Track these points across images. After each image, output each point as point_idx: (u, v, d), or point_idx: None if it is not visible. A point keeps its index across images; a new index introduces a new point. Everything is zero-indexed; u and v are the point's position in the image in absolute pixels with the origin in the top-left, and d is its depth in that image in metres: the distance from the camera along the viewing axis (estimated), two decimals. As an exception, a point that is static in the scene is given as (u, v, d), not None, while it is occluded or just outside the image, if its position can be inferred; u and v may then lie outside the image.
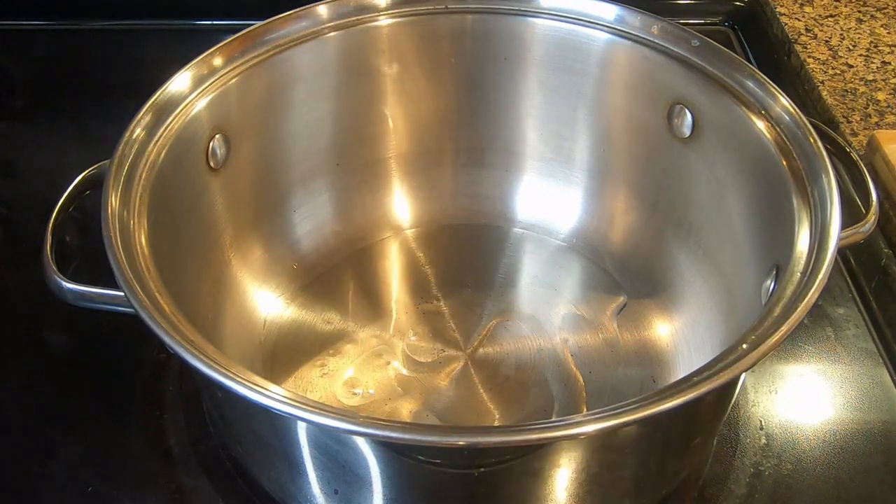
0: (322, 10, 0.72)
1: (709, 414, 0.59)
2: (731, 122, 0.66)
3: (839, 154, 0.64)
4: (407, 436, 0.45)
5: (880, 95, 0.91)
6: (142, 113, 0.61)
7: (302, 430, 0.52)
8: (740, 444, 0.64)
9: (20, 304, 0.74)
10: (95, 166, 0.61)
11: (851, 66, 0.95)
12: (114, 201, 0.56)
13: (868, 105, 0.90)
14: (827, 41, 0.99)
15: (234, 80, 0.67)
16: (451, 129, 0.80)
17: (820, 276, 0.52)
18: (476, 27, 0.75)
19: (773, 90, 0.64)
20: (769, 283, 0.59)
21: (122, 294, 0.51)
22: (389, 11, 0.73)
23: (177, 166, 0.62)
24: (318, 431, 0.51)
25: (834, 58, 0.97)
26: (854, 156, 0.64)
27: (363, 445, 0.50)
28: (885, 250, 0.77)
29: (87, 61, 1.03)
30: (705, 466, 0.63)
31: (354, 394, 0.68)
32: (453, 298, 0.74)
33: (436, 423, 0.66)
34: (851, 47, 0.98)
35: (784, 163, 0.61)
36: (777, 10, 1.04)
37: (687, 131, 0.70)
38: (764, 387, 0.68)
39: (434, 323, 0.73)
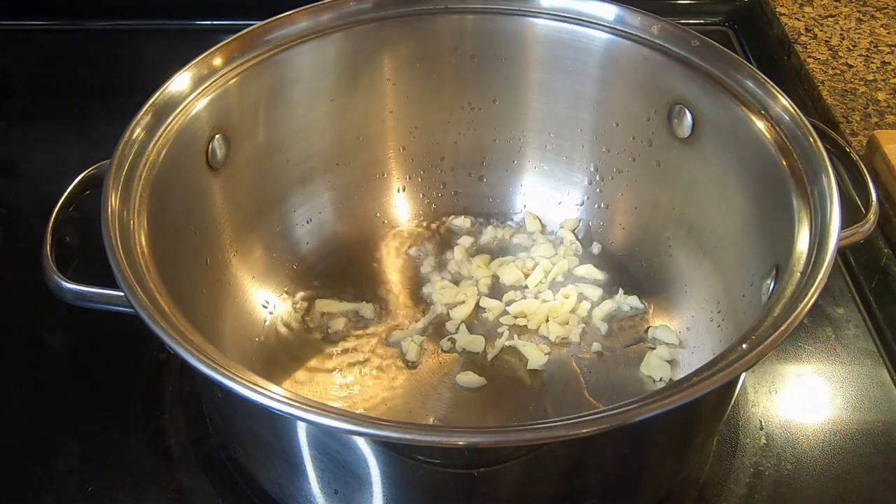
0: (322, 10, 0.72)
1: (709, 414, 0.59)
2: (731, 122, 0.66)
3: (839, 154, 0.64)
4: (407, 436, 0.45)
5: (880, 95, 0.91)
6: (142, 113, 0.61)
7: (302, 430, 0.52)
8: (740, 444, 0.64)
9: (20, 304, 0.74)
10: (95, 166, 0.61)
11: (851, 66, 0.95)
12: (114, 201, 0.56)
13: (868, 105, 0.90)
14: (827, 41, 0.99)
15: (234, 80, 0.67)
16: (452, 129, 0.80)
17: (820, 276, 0.52)
18: (476, 27, 0.75)
19: (773, 90, 0.64)
20: (769, 283, 0.59)
21: (122, 294, 0.51)
22: (389, 11, 0.73)
23: (177, 166, 0.62)
24: (317, 431, 0.51)
25: (834, 58, 0.97)
26: (854, 156, 0.64)
27: (363, 445, 0.50)
28: (885, 250, 0.77)
29: (87, 61, 1.03)
30: (705, 466, 0.63)
31: (354, 394, 0.68)
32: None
33: (436, 423, 0.66)
34: (851, 47, 0.98)
35: (784, 163, 0.61)
36: (777, 10, 1.04)
37: (687, 131, 0.70)
38: (764, 387, 0.68)
39: (434, 323, 0.73)
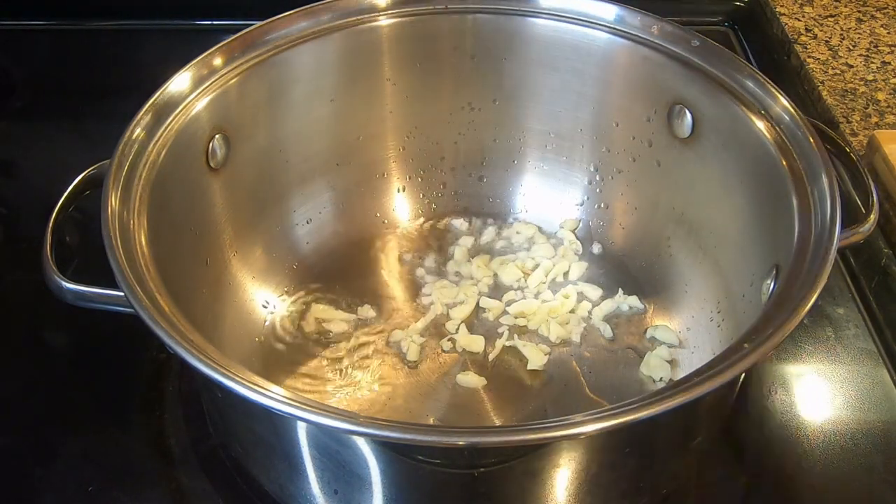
0: (322, 10, 0.72)
1: (709, 414, 0.59)
2: (731, 122, 0.66)
3: (839, 154, 0.64)
4: (407, 436, 0.45)
5: (880, 95, 0.91)
6: (142, 113, 0.61)
7: (302, 430, 0.52)
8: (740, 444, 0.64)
9: (20, 303, 0.74)
10: (95, 166, 0.61)
11: (851, 66, 0.95)
12: (114, 201, 0.56)
13: (868, 105, 0.90)
14: (827, 41, 0.99)
15: (234, 80, 0.67)
16: (452, 129, 0.80)
17: (820, 276, 0.52)
18: (476, 27, 0.75)
19: (773, 90, 0.64)
20: (769, 283, 0.59)
21: (122, 294, 0.51)
22: (389, 11, 0.73)
23: (177, 166, 0.62)
24: (317, 431, 0.51)
25: (834, 58, 0.97)
26: (854, 156, 0.64)
27: (363, 445, 0.51)
28: (885, 250, 0.77)
29: (87, 61, 1.03)
30: (705, 467, 0.63)
31: (354, 394, 0.68)
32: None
33: (436, 423, 0.66)
34: (851, 47, 0.98)
35: (784, 163, 0.61)
36: (777, 10, 1.04)
37: (687, 131, 0.70)
38: (764, 387, 0.68)
39: (434, 323, 0.73)
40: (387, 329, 0.72)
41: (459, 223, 0.81)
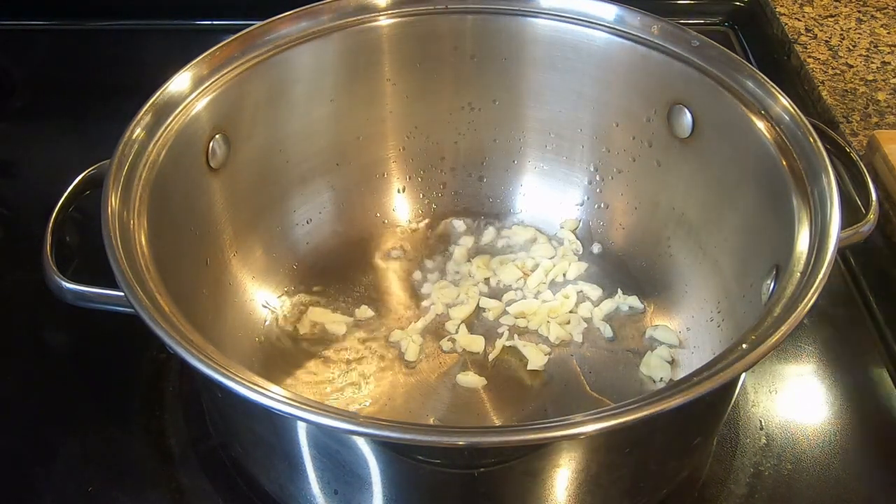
0: (322, 10, 0.72)
1: (709, 414, 0.59)
2: (731, 122, 0.66)
3: (839, 154, 0.64)
4: (407, 436, 0.45)
5: (880, 95, 0.91)
6: (142, 113, 0.61)
7: (302, 430, 0.52)
8: (740, 444, 0.64)
9: (20, 303, 0.74)
10: (95, 166, 0.61)
11: (851, 66, 0.95)
12: (114, 201, 0.56)
13: (868, 105, 0.90)
14: (827, 41, 0.99)
15: (234, 80, 0.67)
16: (451, 129, 0.80)
17: (820, 276, 0.52)
18: (476, 27, 0.75)
19: (773, 90, 0.64)
20: (769, 283, 0.59)
21: (122, 294, 0.51)
22: (389, 11, 0.73)
23: (177, 166, 0.62)
24: (317, 431, 0.51)
25: (834, 58, 0.97)
26: (854, 156, 0.64)
27: (363, 445, 0.50)
28: (885, 250, 0.77)
29: (87, 61, 1.03)
30: (705, 466, 0.63)
31: (354, 394, 0.68)
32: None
33: (436, 423, 0.66)
34: (851, 47, 0.98)
35: (784, 163, 0.61)
36: (777, 10, 1.04)
37: (687, 131, 0.70)
38: (764, 387, 0.68)
39: (434, 323, 0.73)
40: (386, 329, 0.72)
41: (459, 223, 0.81)
